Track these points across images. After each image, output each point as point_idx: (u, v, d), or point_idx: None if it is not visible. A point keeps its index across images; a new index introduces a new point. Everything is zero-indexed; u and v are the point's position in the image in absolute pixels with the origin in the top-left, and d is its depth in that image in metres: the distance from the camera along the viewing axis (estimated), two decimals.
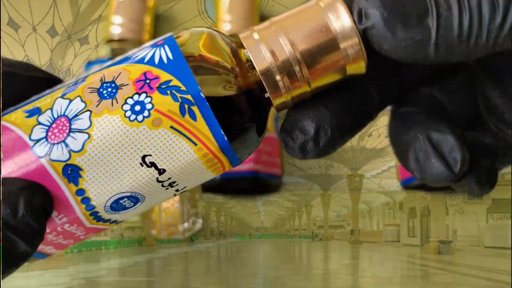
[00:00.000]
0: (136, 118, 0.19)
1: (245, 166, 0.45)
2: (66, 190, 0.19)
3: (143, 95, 0.19)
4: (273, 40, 0.19)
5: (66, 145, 0.19)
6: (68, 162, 0.19)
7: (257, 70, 0.19)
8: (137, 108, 0.19)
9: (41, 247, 0.22)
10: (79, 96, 0.19)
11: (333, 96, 0.20)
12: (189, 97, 0.19)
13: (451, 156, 0.19)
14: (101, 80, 0.19)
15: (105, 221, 0.21)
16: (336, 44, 0.18)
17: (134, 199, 0.20)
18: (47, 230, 0.20)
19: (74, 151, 0.19)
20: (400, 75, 0.21)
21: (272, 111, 0.25)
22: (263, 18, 0.56)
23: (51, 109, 0.19)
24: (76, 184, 0.19)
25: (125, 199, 0.20)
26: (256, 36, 0.19)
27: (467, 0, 0.17)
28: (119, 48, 0.48)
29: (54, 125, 0.19)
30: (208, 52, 0.19)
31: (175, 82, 0.19)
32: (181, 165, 0.19)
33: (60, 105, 0.19)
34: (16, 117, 0.20)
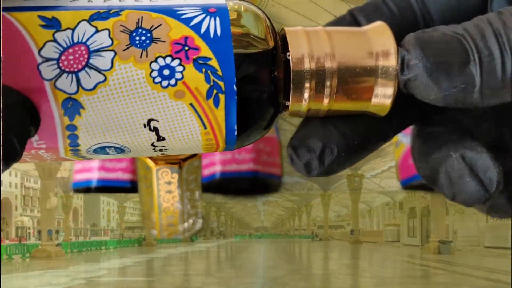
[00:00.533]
0: (160, 82, 0.17)
1: (245, 166, 0.45)
2: (58, 120, 0.18)
3: (177, 61, 0.17)
4: (318, 47, 0.18)
5: (77, 79, 0.17)
6: (73, 96, 0.17)
7: (291, 67, 0.18)
8: (166, 72, 0.17)
9: None
10: (108, 29, 0.17)
11: (344, 117, 0.20)
12: (221, 84, 0.17)
13: (486, 176, 0.18)
14: (137, 22, 0.17)
15: (80, 157, 0.20)
16: (374, 77, 0.18)
17: (120, 150, 0.19)
18: None
19: (83, 88, 0.17)
20: (422, 104, 0.20)
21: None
22: None
23: (73, 30, 0.17)
24: (71, 119, 0.18)
25: (112, 148, 0.19)
26: (303, 35, 0.18)
27: (507, 43, 0.17)
28: None
29: (70, 50, 0.17)
30: (256, 43, 0.18)
31: (214, 62, 0.17)
32: (181, 139, 0.19)
33: (84, 30, 0.17)
34: (28, 19, 0.17)
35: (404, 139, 0.50)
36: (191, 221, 0.42)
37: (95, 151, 0.19)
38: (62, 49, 0.17)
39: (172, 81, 0.17)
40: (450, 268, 8.60)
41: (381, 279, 6.88)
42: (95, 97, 0.17)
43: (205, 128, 0.18)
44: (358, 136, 0.19)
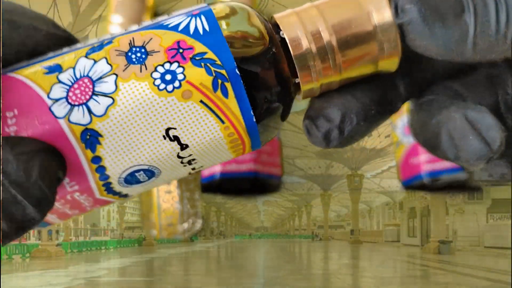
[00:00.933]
0: (165, 88, 0.18)
1: (245, 166, 0.45)
2: (82, 156, 0.18)
3: (175, 64, 0.18)
4: (312, 24, 0.18)
5: (88, 108, 0.18)
6: (88, 127, 0.18)
7: (291, 52, 0.18)
8: (168, 77, 0.18)
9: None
10: (105, 57, 0.18)
11: (360, 86, 0.20)
12: (223, 72, 0.18)
13: (489, 134, 0.18)
14: (130, 43, 0.18)
15: (115, 193, 0.20)
16: (374, 37, 0.18)
17: (150, 172, 0.19)
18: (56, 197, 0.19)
19: (95, 115, 0.18)
20: (423, 69, 0.20)
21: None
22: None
23: (74, 68, 0.18)
24: (93, 150, 0.18)
25: (141, 172, 0.19)
26: (294, 17, 0.19)
27: None
28: None
29: (75, 85, 0.18)
30: (245, 28, 0.19)
31: (210, 55, 0.18)
32: (204, 142, 0.19)
33: (84, 65, 0.18)
34: (33, 72, 0.18)
35: (404, 139, 0.50)
36: (190, 221, 0.42)
37: (127, 181, 0.19)
38: (68, 87, 0.18)
39: (176, 84, 0.18)
40: (450, 268, 8.60)
41: (381, 279, 6.88)
42: (109, 121, 0.18)
43: (223, 122, 0.18)
44: (374, 104, 0.19)
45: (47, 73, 0.18)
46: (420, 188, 0.49)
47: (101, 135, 0.18)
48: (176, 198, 0.38)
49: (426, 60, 0.20)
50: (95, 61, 0.18)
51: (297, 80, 0.19)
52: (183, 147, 0.18)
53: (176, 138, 0.18)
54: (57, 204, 0.20)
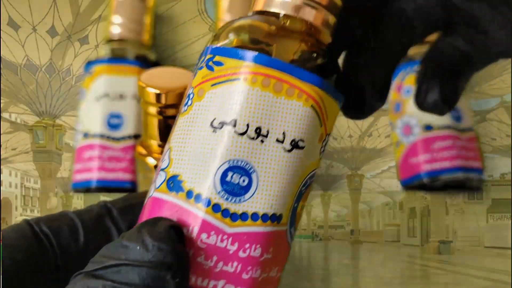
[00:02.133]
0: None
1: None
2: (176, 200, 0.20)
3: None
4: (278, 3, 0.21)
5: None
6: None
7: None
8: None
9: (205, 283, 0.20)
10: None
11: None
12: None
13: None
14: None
15: (237, 217, 0.20)
16: None
17: (242, 170, 0.20)
18: (191, 252, 0.20)
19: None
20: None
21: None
22: None
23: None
24: (179, 189, 0.20)
25: (229, 172, 0.20)
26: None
27: None
28: (118, 48, 0.48)
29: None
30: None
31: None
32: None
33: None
34: None
35: (404, 139, 0.50)
36: None
37: (226, 190, 0.21)
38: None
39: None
40: (450, 268, 8.59)
41: (381, 279, 6.87)
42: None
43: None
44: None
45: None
46: (419, 188, 0.49)
47: (178, 175, 0.21)
48: None
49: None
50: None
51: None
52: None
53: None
54: (199, 260, 0.20)
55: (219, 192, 0.20)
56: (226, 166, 0.20)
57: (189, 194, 0.20)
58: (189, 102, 0.21)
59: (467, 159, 0.47)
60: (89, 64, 0.49)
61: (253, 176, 0.21)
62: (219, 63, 0.21)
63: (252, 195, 0.21)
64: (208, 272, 0.20)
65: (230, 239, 0.20)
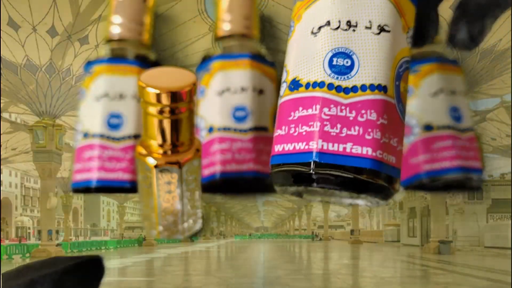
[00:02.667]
0: None
1: (245, 166, 0.45)
2: None
3: None
4: None
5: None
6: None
7: None
8: None
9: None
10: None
11: None
12: None
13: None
14: None
15: (349, 90, 0.27)
16: None
17: (343, 54, 0.28)
18: None
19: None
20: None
21: (272, 111, 0.34)
22: (263, 18, 0.56)
23: None
24: (299, 86, 0.30)
25: (334, 58, 0.28)
26: None
27: None
28: (118, 48, 0.48)
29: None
30: None
31: None
32: None
33: None
34: None
35: (404, 139, 0.50)
36: (191, 221, 0.42)
37: (333, 70, 0.28)
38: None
39: None
40: (450, 268, 8.59)
41: (381, 279, 6.87)
42: None
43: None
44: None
45: None
46: (419, 187, 0.49)
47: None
48: (176, 198, 0.38)
49: None
50: None
51: None
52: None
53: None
54: None
55: (330, 74, 0.27)
56: (330, 54, 0.27)
57: (307, 85, 0.27)
58: (292, 28, 0.30)
59: (467, 159, 0.46)
60: (89, 64, 0.49)
61: (354, 57, 0.27)
62: None
63: (357, 72, 0.27)
64: (336, 137, 0.27)
65: (347, 108, 0.27)
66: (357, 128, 0.27)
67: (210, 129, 0.46)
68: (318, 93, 0.27)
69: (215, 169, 0.45)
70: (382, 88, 0.28)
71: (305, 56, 0.28)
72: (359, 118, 0.27)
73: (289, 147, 0.30)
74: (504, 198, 15.09)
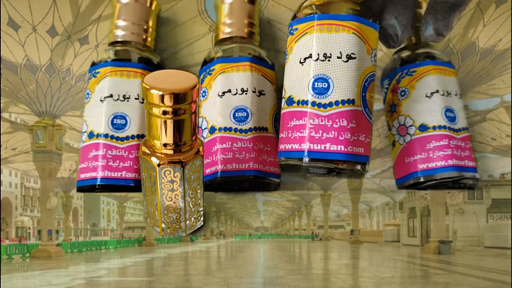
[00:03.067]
0: None
1: (246, 165, 0.45)
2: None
3: None
4: None
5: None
6: None
7: None
8: None
9: None
10: None
11: None
12: None
13: None
14: None
15: (326, 105, 0.42)
16: None
17: (322, 79, 0.41)
18: None
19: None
20: None
21: (272, 112, 0.38)
22: (263, 18, 0.57)
23: None
24: (292, 102, 0.43)
25: (315, 82, 0.41)
26: None
27: None
28: (122, 51, 0.48)
29: None
30: None
31: None
32: None
33: None
34: None
35: (400, 139, 0.50)
36: (193, 219, 0.43)
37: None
38: None
39: None
40: (450, 268, 8.58)
41: (381, 279, 6.86)
42: None
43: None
44: None
45: None
46: (414, 186, 0.50)
47: None
48: (178, 196, 0.38)
49: None
50: None
51: None
52: None
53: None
54: None
55: (313, 95, 0.40)
56: (312, 79, 0.40)
57: (298, 102, 0.41)
58: (287, 56, 0.43)
59: (462, 158, 0.47)
60: (94, 66, 0.49)
61: (329, 81, 0.40)
62: (295, 29, 0.42)
63: (332, 92, 0.40)
64: (319, 140, 0.40)
65: (326, 119, 0.40)
66: (333, 132, 0.40)
67: (212, 130, 0.46)
68: (305, 108, 0.41)
69: (216, 168, 0.46)
70: (351, 101, 0.41)
71: (296, 80, 0.42)
72: (334, 125, 0.40)
73: (288, 146, 0.42)
74: (504, 198, 15.11)
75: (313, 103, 0.40)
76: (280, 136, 0.44)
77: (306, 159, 0.41)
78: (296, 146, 0.42)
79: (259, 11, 0.55)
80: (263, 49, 0.53)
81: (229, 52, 0.49)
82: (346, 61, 0.40)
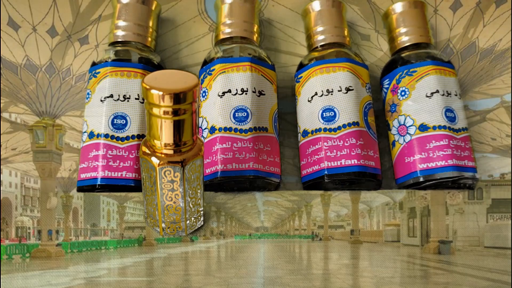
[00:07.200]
0: None
1: (246, 165, 0.45)
2: None
3: None
4: None
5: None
6: None
7: None
8: None
9: None
10: None
11: None
12: None
13: None
14: None
15: (335, 129, 0.49)
16: None
17: (330, 110, 0.49)
18: None
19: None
20: None
21: (272, 112, 0.39)
22: (263, 18, 0.57)
23: None
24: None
25: (324, 113, 0.49)
26: None
27: None
28: (123, 51, 0.48)
29: None
30: None
31: None
32: None
33: None
34: None
35: (400, 139, 0.50)
36: (193, 219, 0.43)
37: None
38: None
39: None
40: (450, 268, 8.58)
41: (381, 279, 6.86)
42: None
43: None
44: None
45: None
46: (414, 186, 0.50)
47: None
48: (179, 196, 0.38)
49: None
50: None
51: None
52: None
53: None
54: None
55: (323, 123, 0.49)
56: (321, 111, 0.49)
57: (312, 132, 0.50)
58: (297, 100, 0.51)
59: (462, 158, 0.47)
60: (94, 66, 0.49)
61: (335, 109, 0.47)
62: (300, 77, 0.52)
63: (338, 118, 0.47)
64: (334, 158, 0.48)
65: (338, 140, 0.47)
66: (345, 150, 0.46)
67: (212, 130, 0.46)
68: (319, 135, 0.47)
69: (216, 168, 0.46)
70: (356, 124, 0.47)
71: (307, 116, 0.49)
72: (345, 144, 0.46)
73: (310, 170, 0.49)
74: (504, 198, 15.12)
75: (325, 129, 0.47)
76: (301, 163, 0.51)
77: (325, 177, 0.47)
78: (316, 168, 0.48)
79: (259, 11, 0.55)
80: (263, 49, 0.53)
81: (229, 52, 0.49)
82: (346, 93, 0.48)
